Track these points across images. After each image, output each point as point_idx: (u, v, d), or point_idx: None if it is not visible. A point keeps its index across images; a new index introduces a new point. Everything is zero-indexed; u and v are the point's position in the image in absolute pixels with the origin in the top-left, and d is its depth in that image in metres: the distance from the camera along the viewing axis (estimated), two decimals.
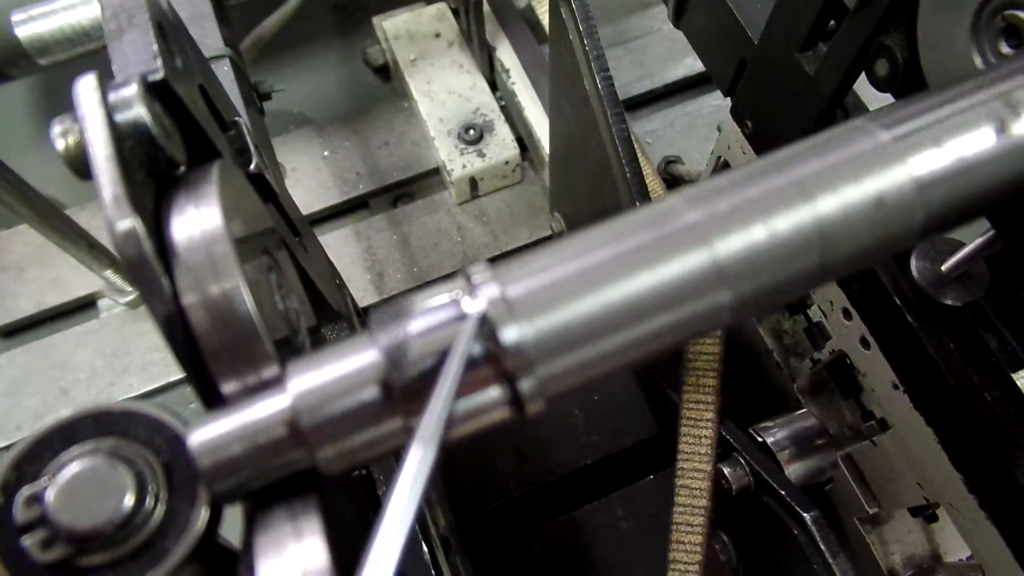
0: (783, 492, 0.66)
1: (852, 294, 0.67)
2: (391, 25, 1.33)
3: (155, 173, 0.33)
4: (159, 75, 0.33)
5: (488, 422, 0.28)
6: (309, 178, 1.27)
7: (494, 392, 0.27)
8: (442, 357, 0.26)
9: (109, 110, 0.30)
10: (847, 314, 0.69)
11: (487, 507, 1.04)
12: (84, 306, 1.19)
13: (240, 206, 0.36)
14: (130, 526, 0.28)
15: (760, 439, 0.74)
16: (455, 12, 1.32)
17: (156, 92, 0.33)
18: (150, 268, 0.29)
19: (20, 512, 0.27)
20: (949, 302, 0.57)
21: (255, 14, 1.25)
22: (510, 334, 0.26)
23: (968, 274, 0.58)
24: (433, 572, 0.56)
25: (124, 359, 1.13)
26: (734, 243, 0.27)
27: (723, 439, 0.71)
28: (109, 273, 1.07)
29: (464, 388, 0.26)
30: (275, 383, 0.29)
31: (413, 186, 1.30)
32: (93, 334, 1.15)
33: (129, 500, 0.28)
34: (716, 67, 0.80)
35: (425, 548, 0.58)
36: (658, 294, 0.27)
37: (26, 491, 0.28)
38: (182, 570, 0.28)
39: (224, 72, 0.78)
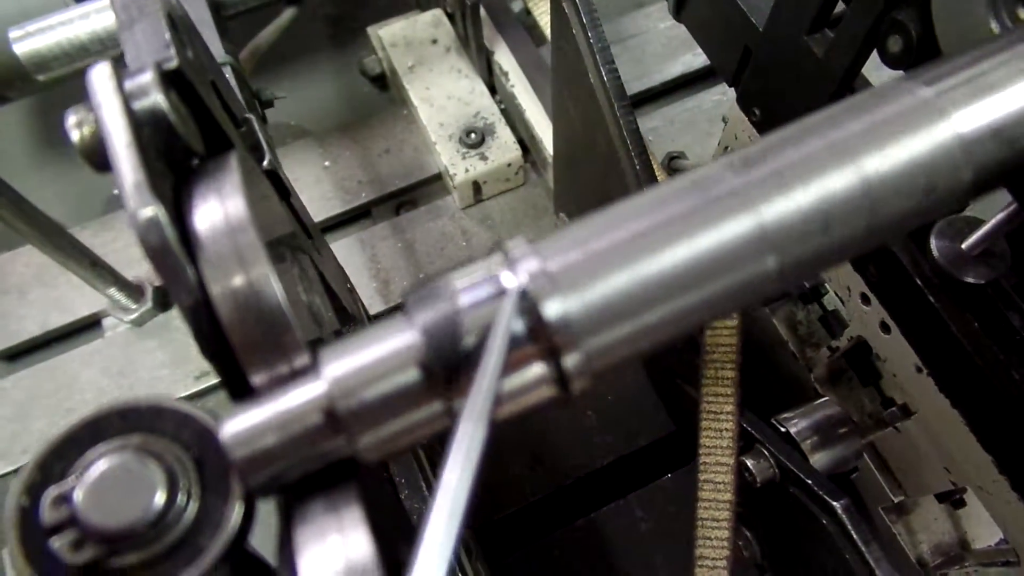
0: (810, 482, 0.65)
1: (870, 278, 0.66)
2: (387, 33, 1.33)
3: (172, 163, 0.32)
4: (173, 63, 0.32)
5: (533, 402, 0.26)
6: (310, 189, 1.26)
7: (538, 369, 0.26)
8: (483, 336, 0.25)
9: (126, 97, 0.29)
10: (865, 299, 0.68)
11: (503, 514, 1.02)
12: (88, 326, 1.18)
13: (259, 199, 0.35)
14: (162, 524, 0.27)
15: (783, 429, 0.73)
16: (451, 17, 1.32)
17: (171, 80, 0.32)
18: (174, 257, 0.28)
19: (48, 513, 0.26)
20: (971, 280, 0.56)
21: (250, 28, 1.26)
22: (553, 308, 0.25)
23: (990, 251, 0.57)
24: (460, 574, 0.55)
25: (131, 377, 1.12)
26: (780, 207, 0.27)
27: (744, 431, 0.70)
28: (113, 291, 1.06)
29: (507, 367, 0.25)
30: (308, 371, 0.28)
31: (415, 192, 1.29)
32: (98, 353, 1.14)
33: (160, 497, 0.27)
34: (720, 57, 0.79)
35: None
36: (704, 261, 0.26)
37: (53, 491, 0.27)
38: (216, 570, 0.27)
39: (227, 79, 0.77)
